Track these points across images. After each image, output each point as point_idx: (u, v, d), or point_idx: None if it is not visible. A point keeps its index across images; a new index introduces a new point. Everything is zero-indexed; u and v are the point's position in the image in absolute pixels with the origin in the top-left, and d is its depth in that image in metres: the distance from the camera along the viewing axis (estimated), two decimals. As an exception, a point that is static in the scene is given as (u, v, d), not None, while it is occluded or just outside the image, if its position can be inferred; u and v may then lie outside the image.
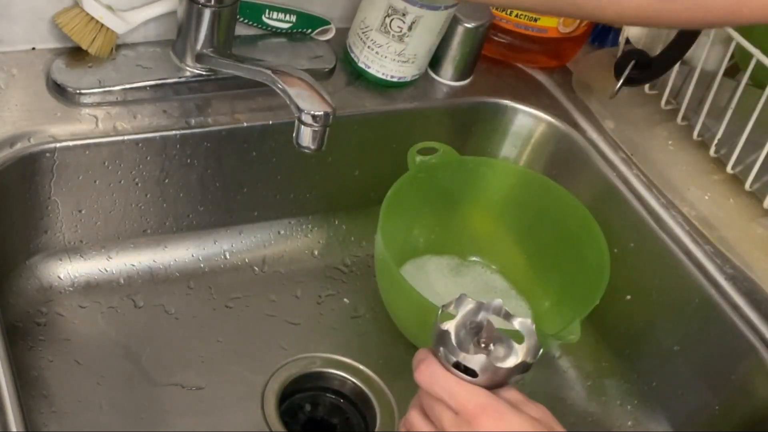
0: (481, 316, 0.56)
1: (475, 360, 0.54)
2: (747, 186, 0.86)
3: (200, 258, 0.90)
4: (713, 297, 0.80)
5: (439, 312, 0.56)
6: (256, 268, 0.91)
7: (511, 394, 0.56)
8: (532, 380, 0.88)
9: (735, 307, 0.79)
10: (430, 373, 0.55)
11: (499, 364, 0.54)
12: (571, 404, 0.88)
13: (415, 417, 0.58)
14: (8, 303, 0.81)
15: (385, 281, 0.83)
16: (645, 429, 0.87)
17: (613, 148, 0.92)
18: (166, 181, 0.84)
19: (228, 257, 0.90)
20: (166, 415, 0.78)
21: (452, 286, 0.90)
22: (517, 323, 0.57)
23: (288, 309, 0.87)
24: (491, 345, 0.55)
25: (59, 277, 0.84)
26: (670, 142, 0.92)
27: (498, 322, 0.56)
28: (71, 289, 0.84)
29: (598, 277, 0.80)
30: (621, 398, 0.89)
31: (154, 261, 0.88)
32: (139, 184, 0.83)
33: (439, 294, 0.87)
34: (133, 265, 0.87)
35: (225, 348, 0.84)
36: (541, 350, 0.55)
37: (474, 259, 0.93)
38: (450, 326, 0.55)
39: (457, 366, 0.55)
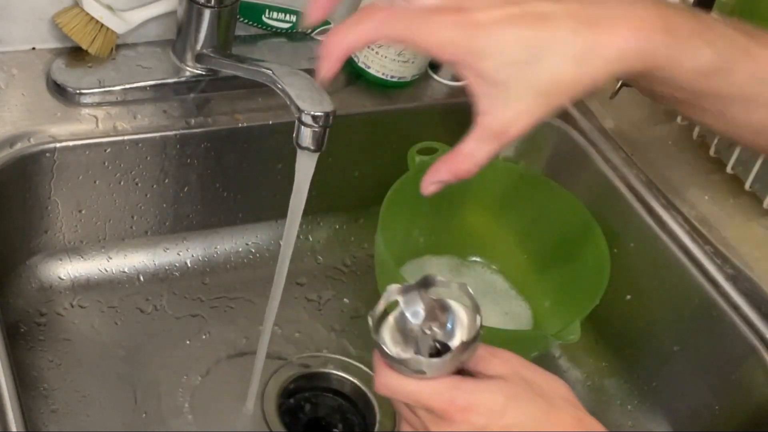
0: (413, 299, 0.54)
1: (424, 365, 0.52)
2: (747, 186, 0.86)
3: (200, 258, 0.90)
4: (713, 297, 0.80)
5: (370, 322, 0.53)
6: (257, 268, 0.91)
7: (474, 362, 0.55)
8: (532, 380, 0.88)
9: (735, 307, 0.79)
10: (385, 383, 0.54)
11: (449, 357, 0.52)
12: (571, 404, 0.88)
13: (405, 428, 0.57)
14: (8, 303, 0.81)
15: (385, 281, 0.82)
16: (645, 429, 0.87)
17: (613, 148, 0.92)
18: (166, 181, 0.84)
19: (228, 257, 0.90)
20: (166, 415, 0.78)
21: (452, 286, 0.90)
22: (455, 287, 0.55)
23: (288, 309, 0.87)
24: (434, 326, 0.53)
25: (59, 277, 0.84)
26: (670, 142, 0.92)
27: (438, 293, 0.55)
28: (71, 289, 0.84)
29: (598, 277, 0.80)
30: (621, 398, 0.89)
31: (154, 261, 0.88)
32: (139, 184, 0.83)
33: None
34: (133, 265, 0.87)
35: (225, 348, 0.84)
36: (480, 316, 0.53)
37: (474, 259, 0.93)
38: (386, 339, 0.53)
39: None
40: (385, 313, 0.54)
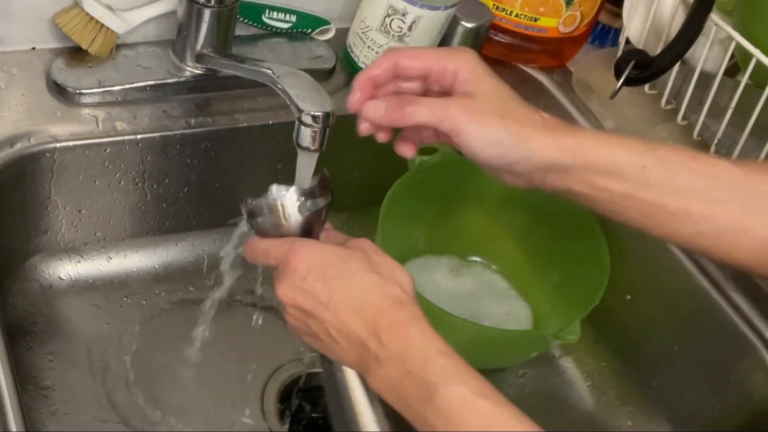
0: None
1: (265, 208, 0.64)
2: (747, 186, 0.85)
3: (200, 258, 0.90)
4: (713, 297, 0.80)
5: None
6: (257, 268, 0.90)
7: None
8: (533, 380, 0.88)
9: (735, 307, 0.79)
10: (248, 248, 0.66)
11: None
12: (571, 404, 0.88)
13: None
14: (8, 303, 0.81)
15: (385, 281, 0.82)
16: (645, 429, 0.87)
17: (613, 148, 0.92)
18: (166, 181, 0.84)
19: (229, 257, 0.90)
20: (166, 415, 0.78)
21: (452, 286, 0.90)
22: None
23: (288, 309, 0.87)
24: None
25: (59, 277, 0.84)
26: (670, 142, 0.92)
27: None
28: (71, 289, 0.84)
29: (598, 278, 0.80)
30: (621, 398, 0.89)
31: (154, 261, 0.88)
32: (139, 184, 0.83)
33: (440, 294, 0.87)
34: (133, 266, 0.87)
35: (225, 348, 0.83)
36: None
37: (474, 259, 0.93)
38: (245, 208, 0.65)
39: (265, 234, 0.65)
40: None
